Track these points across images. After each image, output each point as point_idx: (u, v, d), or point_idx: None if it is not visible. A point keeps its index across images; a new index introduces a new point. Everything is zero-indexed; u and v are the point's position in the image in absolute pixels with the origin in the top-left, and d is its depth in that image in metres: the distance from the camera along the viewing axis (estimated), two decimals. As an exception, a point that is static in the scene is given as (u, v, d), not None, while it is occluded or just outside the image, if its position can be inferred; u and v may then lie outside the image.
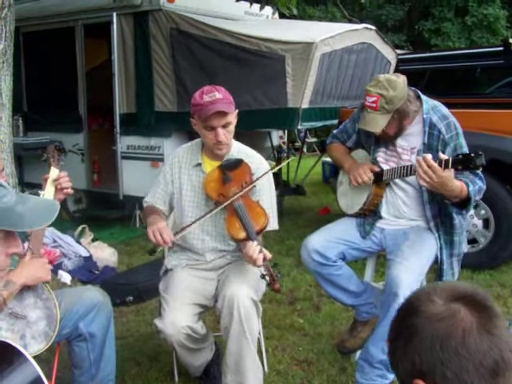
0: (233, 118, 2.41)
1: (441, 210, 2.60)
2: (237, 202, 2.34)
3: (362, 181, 2.65)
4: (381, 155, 2.69)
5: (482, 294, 0.99)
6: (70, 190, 2.21)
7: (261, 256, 2.12)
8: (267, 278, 2.10)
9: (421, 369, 0.94)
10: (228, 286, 2.32)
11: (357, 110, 2.87)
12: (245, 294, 2.26)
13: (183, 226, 2.46)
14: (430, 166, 2.20)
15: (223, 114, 2.32)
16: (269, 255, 2.18)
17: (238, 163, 2.46)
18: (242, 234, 2.26)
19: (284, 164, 2.56)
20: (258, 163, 2.53)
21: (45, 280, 2.06)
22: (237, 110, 2.45)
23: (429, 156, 2.24)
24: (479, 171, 2.34)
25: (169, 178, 2.59)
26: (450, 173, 2.22)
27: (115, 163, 5.78)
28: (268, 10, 5.63)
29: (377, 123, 2.47)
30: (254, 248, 2.14)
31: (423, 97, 2.60)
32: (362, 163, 2.72)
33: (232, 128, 2.42)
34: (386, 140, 2.63)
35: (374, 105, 2.44)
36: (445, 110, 2.58)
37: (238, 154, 2.53)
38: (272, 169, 2.51)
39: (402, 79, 2.47)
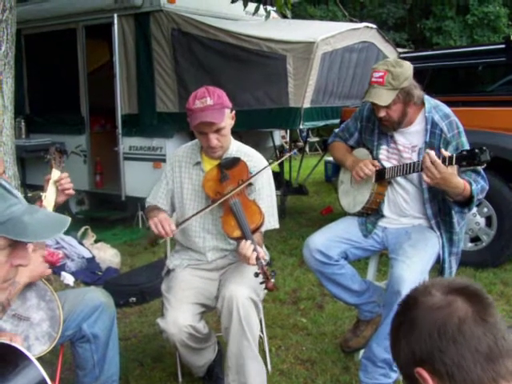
0: (226, 123, 2.39)
1: (440, 208, 2.60)
2: (232, 200, 2.34)
3: (363, 174, 2.64)
4: (383, 152, 2.70)
5: (477, 286, 1.05)
6: (71, 191, 2.21)
7: (254, 255, 2.11)
8: (261, 276, 2.10)
9: (421, 357, 0.99)
10: (227, 286, 2.32)
11: (359, 109, 2.87)
12: (244, 294, 2.26)
13: (184, 219, 2.46)
14: (432, 162, 2.21)
15: (211, 122, 2.32)
16: (262, 254, 2.17)
17: (235, 162, 2.46)
18: (237, 232, 2.26)
19: (279, 161, 2.54)
20: (255, 161, 2.53)
21: (45, 274, 2.06)
22: (233, 112, 2.45)
23: (432, 152, 2.24)
24: (482, 169, 2.34)
25: (169, 177, 2.61)
26: (453, 170, 2.22)
27: (117, 164, 5.79)
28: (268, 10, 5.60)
29: (382, 97, 2.46)
30: (248, 247, 2.13)
31: (425, 96, 2.60)
32: (364, 159, 2.72)
33: (226, 131, 2.42)
34: (387, 128, 2.61)
35: (381, 79, 2.46)
36: (446, 109, 2.59)
37: (236, 152, 2.53)
38: (267, 166, 2.48)
39: (408, 63, 2.53)
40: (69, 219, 1.35)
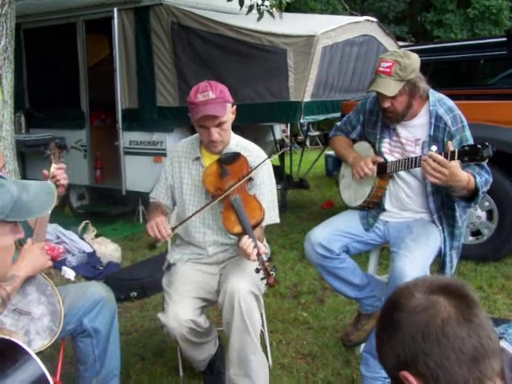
0: (227, 117, 2.38)
1: (443, 202, 2.59)
2: (233, 195, 2.33)
3: (363, 173, 2.64)
4: (385, 146, 2.68)
5: (460, 284, 1.03)
6: (64, 181, 2.20)
7: (254, 251, 2.11)
8: (261, 272, 2.09)
9: (405, 360, 0.97)
10: (229, 280, 2.32)
11: (361, 102, 2.86)
12: (245, 288, 2.26)
13: (181, 221, 2.46)
14: (438, 162, 2.19)
15: (214, 116, 2.31)
16: (263, 249, 2.16)
17: (235, 157, 2.45)
18: (237, 228, 2.25)
19: (276, 155, 2.54)
20: (256, 156, 2.52)
21: (46, 267, 2.06)
22: (234, 106, 2.44)
23: (433, 148, 2.23)
24: (485, 163, 2.33)
25: (169, 172, 2.61)
26: (456, 163, 2.21)
27: (118, 159, 5.78)
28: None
29: (389, 87, 2.44)
30: (249, 243, 2.13)
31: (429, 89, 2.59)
32: (366, 156, 2.70)
33: (227, 126, 2.41)
34: (391, 120, 2.60)
35: (389, 70, 2.44)
36: (450, 103, 2.57)
37: (236, 147, 2.52)
38: (267, 159, 2.46)
39: (416, 55, 2.51)
40: (50, 183, 1.45)
